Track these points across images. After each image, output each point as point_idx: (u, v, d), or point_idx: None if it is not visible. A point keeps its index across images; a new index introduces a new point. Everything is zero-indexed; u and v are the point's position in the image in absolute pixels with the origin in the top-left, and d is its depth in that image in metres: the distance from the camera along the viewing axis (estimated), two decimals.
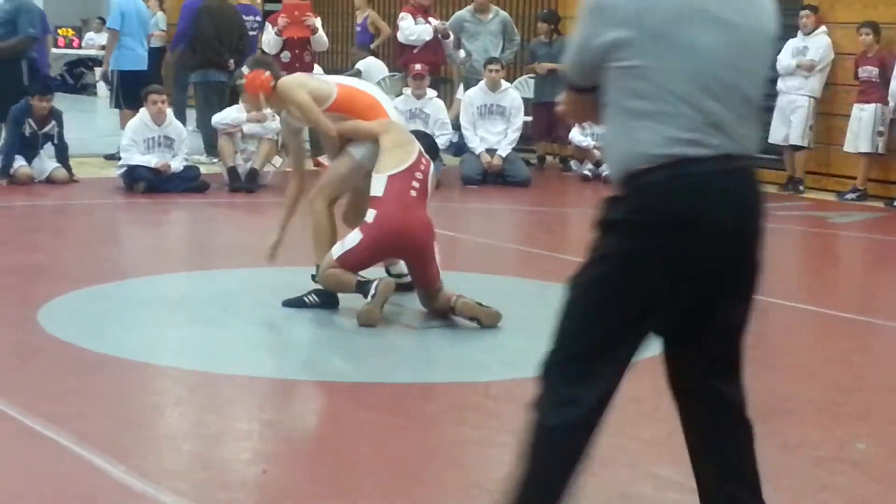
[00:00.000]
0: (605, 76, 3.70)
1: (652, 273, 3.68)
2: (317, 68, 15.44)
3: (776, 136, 14.16)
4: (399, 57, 15.49)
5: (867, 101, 13.57)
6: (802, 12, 14.10)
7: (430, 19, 15.15)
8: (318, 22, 14.73)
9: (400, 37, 15.09)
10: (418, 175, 7.75)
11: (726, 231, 3.70)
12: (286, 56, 14.57)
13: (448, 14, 16.79)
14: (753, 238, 3.79)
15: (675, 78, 3.62)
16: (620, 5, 3.65)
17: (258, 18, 16.71)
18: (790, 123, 14.03)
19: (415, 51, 14.89)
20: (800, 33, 14.15)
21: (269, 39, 14.62)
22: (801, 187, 14.14)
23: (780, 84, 14.13)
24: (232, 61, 14.77)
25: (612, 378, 3.81)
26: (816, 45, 14.03)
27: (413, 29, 14.99)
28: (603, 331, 3.75)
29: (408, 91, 14.08)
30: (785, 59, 14.01)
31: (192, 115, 16.08)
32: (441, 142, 13.94)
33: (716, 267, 3.72)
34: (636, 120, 3.67)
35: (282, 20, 14.46)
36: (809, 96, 14.02)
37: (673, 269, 3.68)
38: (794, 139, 14.04)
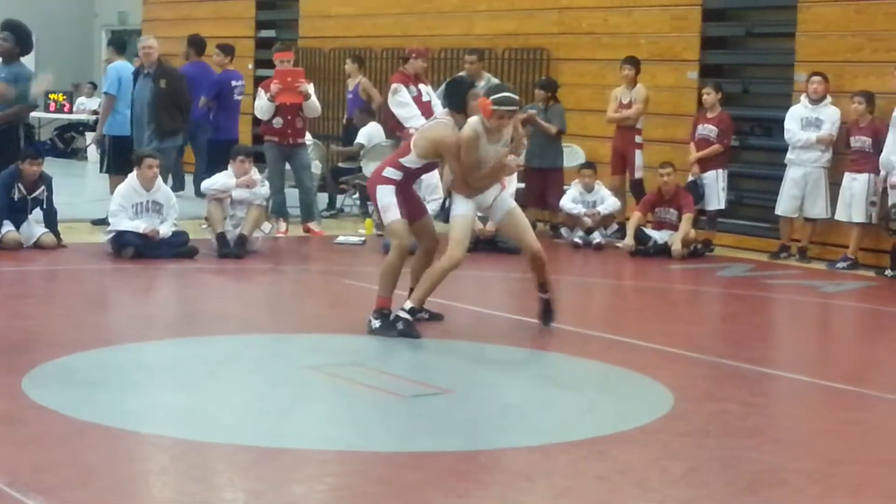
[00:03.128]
0: None
1: None
2: (308, 136, 15.48)
3: (787, 207, 14.06)
4: (390, 122, 15.53)
5: (859, 171, 13.53)
6: (814, 78, 13.91)
7: (420, 86, 15.14)
8: (310, 88, 14.77)
9: (392, 105, 15.01)
10: None
11: None
12: (278, 122, 14.62)
13: (437, 80, 16.88)
14: None
15: None
16: None
17: (241, 83, 17.12)
18: (802, 196, 13.93)
19: None
20: (804, 100, 14.02)
21: (262, 105, 14.65)
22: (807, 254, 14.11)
23: (791, 155, 14.03)
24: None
25: None
26: (829, 116, 13.86)
27: (406, 99, 14.92)
28: None
29: None
30: (797, 130, 13.90)
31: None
32: (432, 207, 13.93)
33: None
34: None
35: (274, 86, 14.50)
36: (825, 167, 13.92)
37: None
38: (817, 213, 13.93)
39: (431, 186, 13.97)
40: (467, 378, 8.24)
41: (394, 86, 14.93)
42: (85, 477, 5.81)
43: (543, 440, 6.67)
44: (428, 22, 18.70)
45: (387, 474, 6.06)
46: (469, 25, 18.23)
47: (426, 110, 15.00)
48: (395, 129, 14.89)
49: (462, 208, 9.42)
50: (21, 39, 13.86)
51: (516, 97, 9.30)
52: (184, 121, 15.10)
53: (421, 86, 15.15)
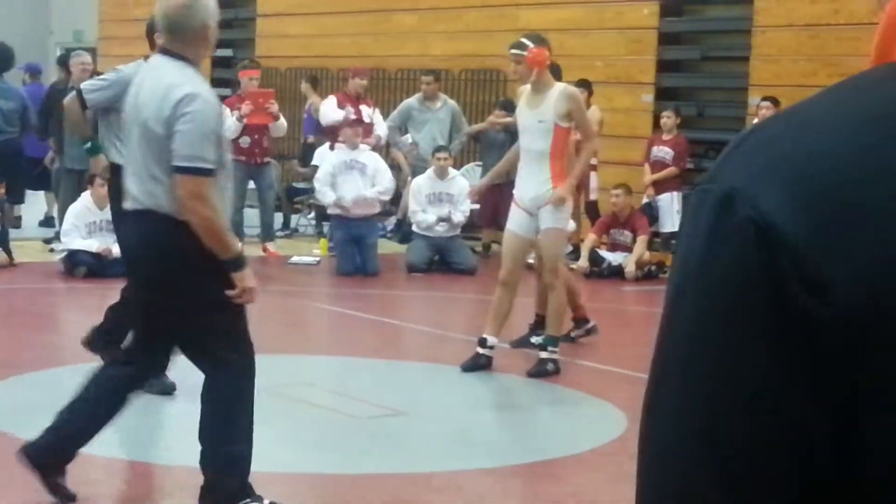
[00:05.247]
0: None
1: None
2: (273, 162, 15.49)
3: None
4: (317, 134, 15.74)
5: None
6: (763, 103, 13.86)
7: (362, 107, 15.13)
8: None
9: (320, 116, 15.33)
10: None
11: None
12: (245, 141, 14.56)
13: (393, 101, 16.95)
14: None
15: None
16: None
17: None
18: None
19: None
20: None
21: (229, 124, 14.57)
22: None
23: None
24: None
25: None
26: None
27: (324, 111, 15.14)
28: None
29: (341, 145, 14.09)
30: None
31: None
32: (380, 189, 13.85)
33: None
34: None
35: (246, 107, 14.44)
36: None
37: None
38: None
39: (379, 172, 13.94)
40: (421, 400, 8.24)
41: (328, 98, 15.22)
42: (37, 499, 5.77)
43: (496, 462, 6.68)
44: (384, 43, 18.72)
45: (339, 497, 6.05)
46: (425, 46, 18.26)
47: (367, 131, 15.00)
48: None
49: (510, 222, 9.25)
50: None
51: (523, 41, 8.94)
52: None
53: (362, 106, 15.15)
